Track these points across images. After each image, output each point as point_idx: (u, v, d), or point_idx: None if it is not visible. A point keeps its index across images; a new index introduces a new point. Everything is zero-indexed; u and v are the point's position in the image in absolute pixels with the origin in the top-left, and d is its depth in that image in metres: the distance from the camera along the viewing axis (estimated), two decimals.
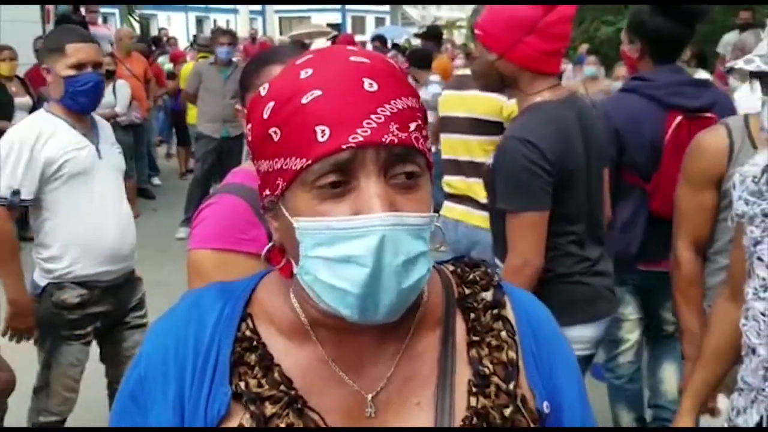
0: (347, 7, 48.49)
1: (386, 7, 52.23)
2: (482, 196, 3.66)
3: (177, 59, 12.41)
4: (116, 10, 14.68)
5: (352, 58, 0.90)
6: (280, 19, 43.74)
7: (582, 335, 2.49)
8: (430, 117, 5.58)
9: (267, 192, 0.94)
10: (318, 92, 0.87)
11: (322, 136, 0.86)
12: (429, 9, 55.44)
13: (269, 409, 0.92)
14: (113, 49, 9.04)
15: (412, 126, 0.89)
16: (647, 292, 3.17)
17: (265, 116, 0.91)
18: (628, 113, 2.93)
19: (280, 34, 35.83)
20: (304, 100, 0.87)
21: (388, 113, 0.87)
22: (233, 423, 0.92)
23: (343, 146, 0.85)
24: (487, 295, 1.03)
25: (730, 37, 9.34)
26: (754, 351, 1.84)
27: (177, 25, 32.78)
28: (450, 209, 4.13)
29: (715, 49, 9.47)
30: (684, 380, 2.41)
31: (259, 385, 0.93)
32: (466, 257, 1.11)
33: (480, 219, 3.81)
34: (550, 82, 2.49)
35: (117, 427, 1.00)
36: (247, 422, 0.92)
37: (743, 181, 1.87)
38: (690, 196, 2.40)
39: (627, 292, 3.13)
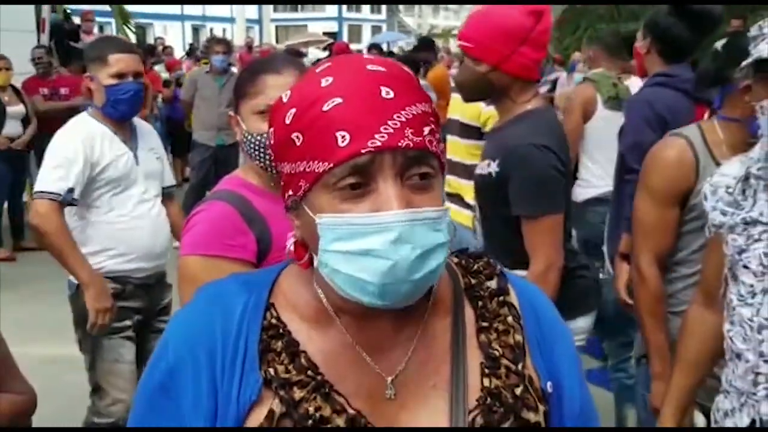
0: (344, 15, 48.65)
1: (383, 16, 52.44)
2: (470, 197, 3.78)
3: (172, 68, 12.46)
4: (112, 20, 14.69)
5: (369, 67, 0.97)
6: (277, 27, 43.86)
7: (583, 326, 2.62)
8: None
9: (290, 192, 1.00)
10: (338, 100, 0.94)
11: (343, 141, 0.92)
12: (425, 17, 55.60)
13: (297, 393, 0.98)
14: None
15: (426, 130, 0.96)
16: None
17: (288, 121, 0.97)
18: (668, 103, 3.03)
19: (277, 42, 35.94)
20: (325, 108, 0.94)
21: (403, 119, 0.93)
22: (264, 408, 0.98)
23: (363, 151, 0.92)
24: (492, 284, 1.10)
25: (721, 45, 9.37)
26: (739, 356, 1.86)
27: (173, 34, 32.85)
28: None
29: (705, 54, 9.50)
30: (652, 400, 2.38)
31: (287, 371, 0.99)
32: (467, 250, 1.18)
33: (465, 218, 3.91)
34: (535, 89, 2.57)
35: (140, 427, 1.03)
36: (277, 407, 0.97)
37: (715, 192, 1.90)
38: (653, 211, 2.35)
39: None
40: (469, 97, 2.69)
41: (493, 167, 2.46)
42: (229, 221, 1.82)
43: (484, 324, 1.06)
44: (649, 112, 2.97)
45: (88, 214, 3.14)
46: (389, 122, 0.93)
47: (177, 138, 10.16)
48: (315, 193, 0.96)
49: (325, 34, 37.37)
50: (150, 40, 18.85)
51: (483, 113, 3.87)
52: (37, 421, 3.29)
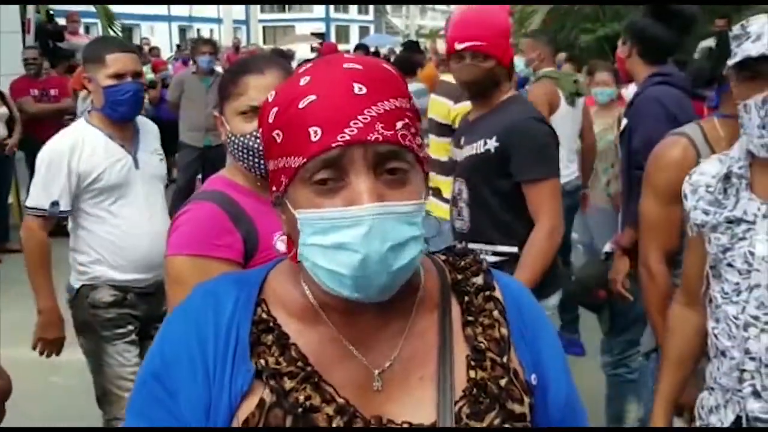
0: (332, 16, 48.61)
1: (370, 17, 52.42)
2: (447, 191, 3.91)
3: (158, 68, 12.41)
4: (98, 21, 14.64)
5: (346, 65, 0.99)
6: (264, 28, 43.78)
7: (554, 304, 2.90)
8: None
9: (274, 188, 1.03)
10: (313, 97, 0.97)
11: (315, 137, 0.95)
12: (412, 18, 55.63)
13: (288, 383, 1.00)
14: None
15: (399, 125, 0.97)
16: None
17: (270, 120, 1.01)
18: (676, 100, 3.07)
19: (264, 43, 35.87)
20: (301, 105, 0.97)
21: (374, 114, 0.96)
22: (255, 398, 1.00)
23: (333, 145, 0.94)
24: (478, 280, 1.12)
25: (706, 45, 9.45)
26: (724, 353, 1.88)
27: (160, 35, 32.71)
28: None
29: (692, 55, 9.57)
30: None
31: (277, 363, 1.01)
32: (455, 248, 1.21)
33: (444, 212, 3.99)
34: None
35: (140, 428, 1.04)
36: (268, 396, 0.99)
37: (695, 191, 1.92)
38: (659, 210, 2.39)
39: None
40: (477, 94, 2.83)
41: (492, 143, 2.70)
42: (216, 221, 1.82)
43: (470, 318, 1.08)
44: (660, 110, 3.00)
45: (86, 223, 3.06)
46: (359, 117, 0.95)
47: (163, 139, 10.11)
48: (294, 188, 0.99)
49: (312, 34, 37.31)
50: (136, 41, 18.77)
51: (452, 111, 4.01)
52: (26, 423, 3.30)
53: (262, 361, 1.02)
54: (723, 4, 9.83)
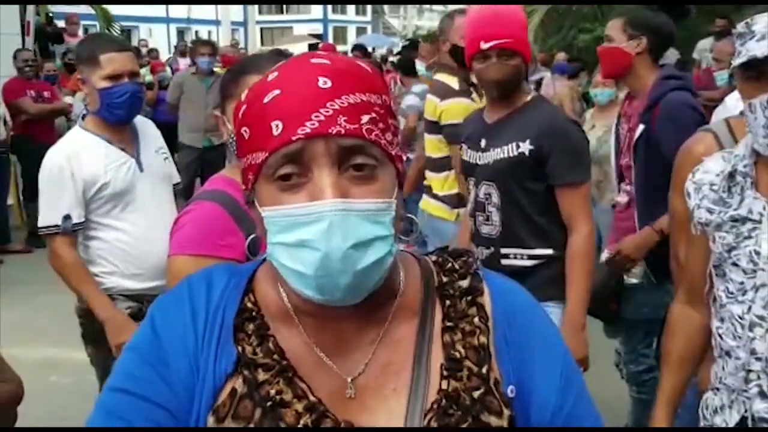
0: (329, 17, 48.61)
1: (368, 17, 52.41)
2: (437, 189, 4.04)
3: (156, 70, 12.43)
4: (96, 23, 14.65)
5: (313, 60, 0.97)
6: (262, 30, 43.77)
7: None
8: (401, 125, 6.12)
9: (244, 187, 1.01)
10: (277, 91, 0.94)
11: (276, 131, 0.93)
12: (410, 19, 55.63)
13: (261, 375, 0.98)
14: None
15: (365, 119, 0.94)
16: None
17: (240, 117, 0.99)
18: (696, 104, 3.12)
19: (262, 44, 35.87)
20: (265, 100, 0.95)
21: (337, 107, 0.92)
22: (228, 386, 0.99)
23: (293, 138, 0.91)
24: (464, 283, 1.07)
25: (705, 43, 9.48)
26: (729, 353, 1.87)
27: (158, 37, 32.70)
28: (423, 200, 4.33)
29: (690, 54, 9.61)
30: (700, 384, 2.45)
31: (254, 353, 1.00)
32: (450, 248, 1.15)
33: (435, 208, 4.08)
34: None
35: (137, 428, 1.00)
36: (239, 386, 0.98)
37: (699, 189, 1.90)
38: (685, 205, 2.41)
39: None
40: (505, 92, 2.76)
41: (525, 146, 2.67)
42: (219, 221, 1.82)
43: (449, 324, 1.03)
44: (698, 116, 3.00)
45: (96, 233, 2.93)
46: (321, 110, 0.92)
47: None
48: (259, 185, 0.97)
49: (310, 35, 37.31)
50: (134, 43, 18.77)
51: (438, 108, 3.97)
52: (25, 423, 3.28)
53: (240, 348, 1.00)
54: (723, 3, 9.84)
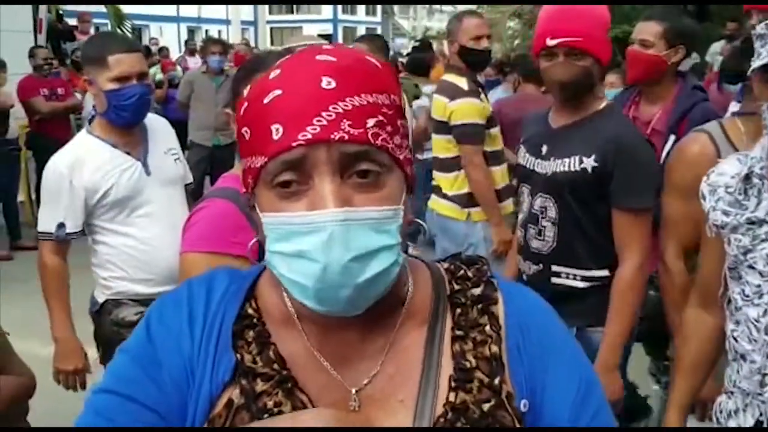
0: (339, 17, 48.61)
1: (378, 18, 52.36)
2: (446, 188, 4.00)
3: (166, 69, 12.49)
4: (108, 21, 14.68)
5: (319, 57, 0.91)
6: (272, 29, 43.78)
7: None
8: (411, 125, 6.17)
9: (244, 190, 0.97)
10: (278, 92, 0.89)
11: (276, 135, 0.88)
12: (420, 20, 55.55)
13: (260, 385, 0.94)
14: None
15: (371, 122, 0.89)
16: None
17: (241, 115, 0.94)
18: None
19: (272, 44, 35.87)
20: (266, 100, 0.90)
21: (340, 110, 0.87)
22: (225, 396, 0.95)
23: (293, 144, 0.86)
24: (477, 291, 1.02)
25: (717, 47, 9.45)
26: (744, 357, 1.85)
27: (169, 35, 32.75)
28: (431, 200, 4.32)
29: (703, 58, 9.56)
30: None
31: (254, 361, 0.96)
32: (462, 255, 1.11)
33: (444, 208, 4.05)
34: None
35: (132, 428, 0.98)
36: (236, 397, 0.94)
37: (714, 192, 1.89)
38: (678, 206, 2.40)
39: None
40: (571, 95, 2.55)
41: (589, 162, 2.45)
42: (231, 218, 1.82)
43: (460, 333, 0.99)
44: None
45: (104, 238, 2.90)
46: (323, 114, 0.87)
47: None
48: (259, 190, 0.93)
49: (320, 36, 37.29)
50: (145, 42, 18.83)
51: (448, 108, 3.96)
52: (34, 419, 3.30)
53: (239, 356, 0.96)
54: (737, 3, 9.79)
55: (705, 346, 2.04)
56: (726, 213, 1.85)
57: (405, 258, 0.95)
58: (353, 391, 0.96)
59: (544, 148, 2.60)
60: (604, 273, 2.52)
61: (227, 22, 34.31)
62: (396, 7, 54.40)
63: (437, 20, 54.64)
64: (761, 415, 1.83)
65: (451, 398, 0.94)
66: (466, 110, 3.84)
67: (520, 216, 2.76)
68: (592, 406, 1.00)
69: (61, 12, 12.72)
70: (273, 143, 0.88)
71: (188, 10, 38.06)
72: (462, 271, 1.05)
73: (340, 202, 0.86)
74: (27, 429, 2.47)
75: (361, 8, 51.72)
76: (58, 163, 2.82)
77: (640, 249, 2.45)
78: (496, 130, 3.98)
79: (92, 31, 12.85)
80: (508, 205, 4.05)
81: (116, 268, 2.91)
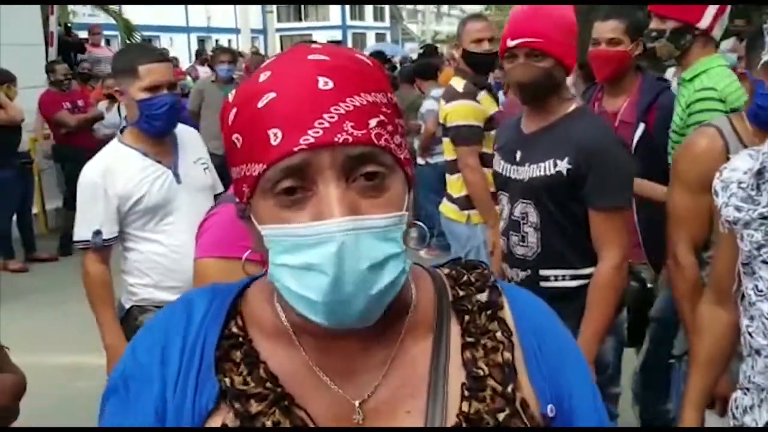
0: (348, 23, 48.79)
1: (386, 23, 52.53)
2: (451, 191, 4.04)
3: (176, 77, 12.56)
4: (118, 33, 14.81)
5: (311, 56, 0.87)
6: (282, 37, 43.98)
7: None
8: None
9: (237, 200, 0.92)
10: (273, 95, 0.85)
11: (275, 140, 0.83)
12: (428, 24, 55.65)
13: (255, 407, 0.89)
14: None
15: (373, 122, 0.85)
16: None
17: (230, 123, 0.90)
18: None
19: (281, 51, 35.95)
20: (259, 104, 0.85)
21: (342, 111, 0.83)
22: (218, 420, 0.89)
23: (295, 149, 0.82)
24: (482, 297, 0.99)
25: (727, 44, 9.41)
26: (759, 352, 1.84)
27: (179, 46, 32.96)
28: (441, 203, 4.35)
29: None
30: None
31: (245, 383, 0.90)
32: (463, 259, 1.08)
33: (448, 210, 4.11)
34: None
35: (113, 427, 0.95)
36: (231, 421, 0.88)
37: (727, 188, 1.88)
38: (687, 200, 2.38)
39: None
40: (531, 97, 2.56)
41: (563, 165, 2.46)
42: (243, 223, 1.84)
43: (470, 340, 0.95)
44: None
45: (133, 245, 2.93)
46: (325, 116, 0.82)
47: None
48: (256, 199, 0.87)
49: (329, 42, 37.33)
50: None
51: (443, 109, 4.01)
52: (53, 426, 3.30)
53: (228, 380, 0.90)
54: (741, 3, 9.76)
55: (720, 342, 2.03)
56: (738, 209, 1.84)
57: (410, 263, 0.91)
58: (357, 403, 0.91)
59: (518, 155, 2.61)
60: (591, 270, 2.53)
61: (237, 31, 34.49)
62: (404, 12, 54.56)
63: (446, 24, 54.73)
64: None
65: (465, 408, 0.90)
66: (460, 112, 3.87)
67: (501, 224, 2.76)
68: (604, 410, 1.01)
69: (69, 24, 12.83)
70: (272, 149, 0.83)
71: (198, 20, 38.32)
72: (465, 277, 1.02)
73: (347, 210, 0.82)
74: (27, 429, 2.48)
75: (369, 14, 51.88)
76: (91, 172, 2.88)
77: (617, 247, 2.47)
78: (494, 132, 4.00)
79: (103, 43, 12.95)
80: None
81: (143, 275, 2.94)
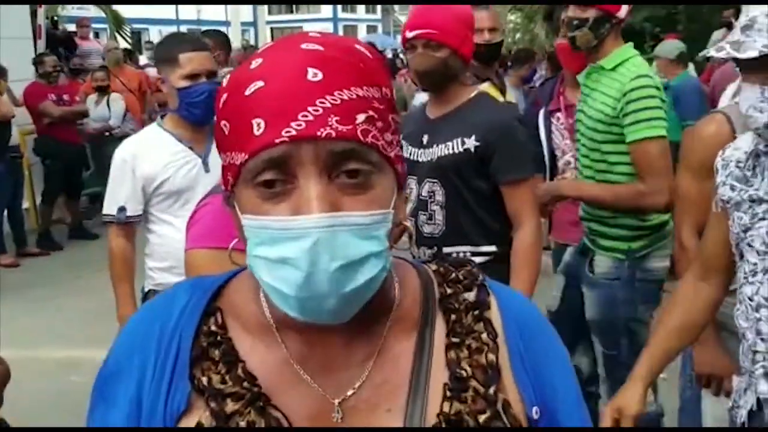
0: (339, 16, 48.68)
1: (378, 15, 52.42)
2: None
3: None
4: (106, 26, 14.73)
5: (304, 46, 0.85)
6: (272, 30, 43.85)
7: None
8: None
9: (223, 188, 0.91)
10: (260, 83, 0.83)
11: (258, 130, 0.81)
12: None
13: (230, 406, 0.87)
14: (105, 62, 9.15)
15: (360, 118, 0.82)
16: None
17: (220, 108, 0.89)
18: None
19: None
20: (247, 92, 0.83)
21: (328, 105, 0.81)
22: (193, 419, 0.88)
23: (276, 140, 0.80)
24: (470, 296, 0.97)
25: (718, 34, 9.44)
26: (744, 335, 1.86)
27: None
28: None
29: (701, 47, 9.55)
30: (697, 368, 2.43)
31: (223, 381, 0.89)
32: (449, 256, 1.07)
33: None
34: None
35: (104, 427, 0.94)
36: (206, 420, 0.87)
37: (726, 166, 1.88)
38: (693, 185, 2.40)
39: None
40: (430, 84, 2.71)
41: (471, 143, 2.61)
42: None
43: (455, 340, 0.93)
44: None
45: (155, 227, 3.01)
46: (310, 108, 0.80)
47: None
48: (239, 188, 0.86)
49: None
50: (142, 45, 18.88)
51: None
52: (49, 420, 3.32)
53: (205, 379, 0.89)
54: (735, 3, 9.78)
55: (692, 315, 2.03)
56: (732, 188, 1.86)
57: (391, 260, 0.89)
58: (336, 402, 0.89)
59: (425, 138, 2.74)
60: (493, 248, 2.68)
61: (227, 23, 34.38)
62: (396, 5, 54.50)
63: None
64: (755, 392, 1.84)
65: (446, 408, 0.88)
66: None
67: (408, 206, 2.82)
68: (587, 411, 1.01)
69: (56, 18, 12.72)
70: (254, 139, 0.81)
71: (187, 13, 38.20)
72: (453, 274, 0.99)
73: (326, 206, 0.80)
74: (26, 429, 2.49)
75: (360, 6, 51.80)
76: (123, 150, 2.99)
77: (532, 212, 2.66)
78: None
79: (91, 36, 12.87)
80: None
81: (162, 259, 2.99)
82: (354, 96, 0.83)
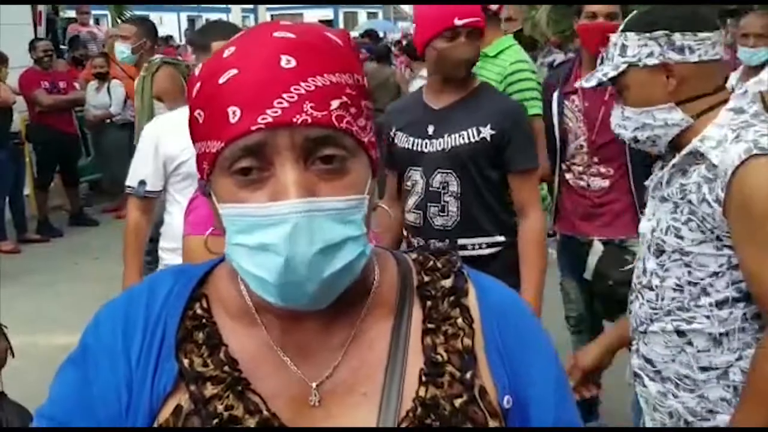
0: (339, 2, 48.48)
1: (378, 2, 52.18)
2: None
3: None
4: (107, 12, 14.68)
5: (276, 34, 0.86)
6: (272, 16, 43.70)
7: None
8: None
9: (199, 177, 0.92)
10: (234, 71, 0.84)
11: (233, 118, 0.82)
12: None
13: (210, 390, 0.89)
14: (105, 49, 9.12)
15: (335, 104, 0.84)
16: None
17: (193, 96, 0.89)
18: None
19: None
20: (221, 80, 0.84)
21: (302, 91, 0.82)
22: (173, 403, 0.90)
23: (252, 128, 0.81)
24: (447, 283, 0.98)
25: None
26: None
27: (169, 25, 32.74)
28: None
29: None
30: None
31: (204, 365, 0.91)
32: (429, 246, 1.07)
33: None
34: None
35: (98, 427, 0.93)
36: (186, 403, 0.89)
37: None
38: None
39: None
40: (465, 72, 2.68)
41: (486, 131, 2.61)
42: None
43: (431, 326, 0.94)
44: None
45: (172, 208, 3.08)
46: (285, 95, 0.82)
47: None
48: (215, 177, 0.87)
49: (320, 21, 37.16)
50: None
51: None
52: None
53: (187, 362, 0.91)
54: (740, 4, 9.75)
55: None
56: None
57: (372, 248, 0.90)
58: (314, 385, 0.91)
59: (431, 128, 2.69)
60: (502, 238, 2.71)
61: (227, 10, 34.27)
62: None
63: None
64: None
65: (421, 393, 0.90)
66: None
67: (413, 199, 2.76)
68: (568, 396, 1.01)
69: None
70: (230, 127, 0.83)
71: None
72: (431, 263, 1.01)
73: (303, 192, 0.81)
74: (25, 428, 2.49)
75: None
76: (152, 127, 3.13)
77: (537, 204, 2.72)
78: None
79: (92, 22, 12.83)
80: None
81: (171, 240, 3.02)
82: (327, 82, 0.84)
